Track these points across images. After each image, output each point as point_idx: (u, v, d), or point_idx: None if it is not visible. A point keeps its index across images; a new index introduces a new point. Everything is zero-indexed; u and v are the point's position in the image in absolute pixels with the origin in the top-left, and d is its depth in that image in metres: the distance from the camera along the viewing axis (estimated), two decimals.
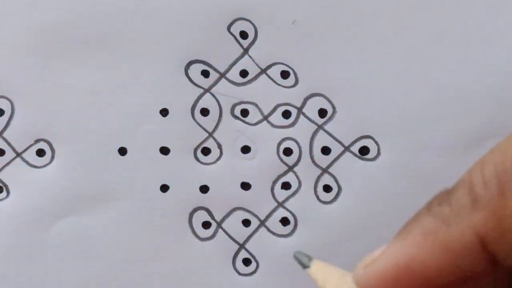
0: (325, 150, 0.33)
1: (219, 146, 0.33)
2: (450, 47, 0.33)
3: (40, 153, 0.33)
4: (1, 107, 0.32)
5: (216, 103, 0.33)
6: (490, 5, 0.32)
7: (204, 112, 0.33)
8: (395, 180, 0.33)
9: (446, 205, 0.24)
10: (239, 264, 0.33)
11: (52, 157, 0.33)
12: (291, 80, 0.33)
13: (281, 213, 0.33)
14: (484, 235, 0.24)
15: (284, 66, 0.33)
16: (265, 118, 0.33)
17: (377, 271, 0.25)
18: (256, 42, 0.32)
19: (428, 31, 0.32)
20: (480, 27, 0.33)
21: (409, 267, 0.25)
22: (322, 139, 0.33)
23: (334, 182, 0.33)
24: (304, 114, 0.33)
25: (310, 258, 0.28)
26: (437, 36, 0.32)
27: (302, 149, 0.33)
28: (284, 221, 0.33)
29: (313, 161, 0.33)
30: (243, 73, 0.33)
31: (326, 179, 0.33)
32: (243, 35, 0.32)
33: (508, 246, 0.24)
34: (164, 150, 0.33)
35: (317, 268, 0.28)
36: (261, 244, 0.33)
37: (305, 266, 0.28)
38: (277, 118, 0.33)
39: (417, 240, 0.25)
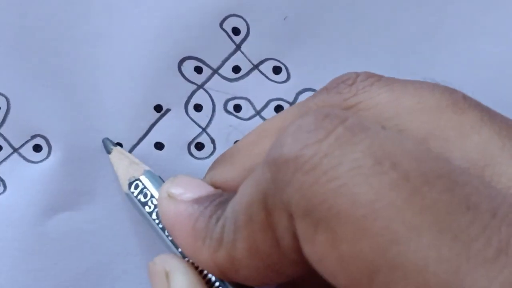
0: None
1: (213, 141, 0.33)
2: (446, 44, 0.33)
3: (37, 148, 0.33)
4: None
5: (209, 98, 0.33)
6: (485, 1, 0.32)
7: (198, 107, 0.33)
8: None
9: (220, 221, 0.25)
10: None
11: (49, 152, 0.33)
12: (283, 75, 0.33)
13: None
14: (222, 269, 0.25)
15: (276, 62, 0.33)
16: (258, 113, 0.33)
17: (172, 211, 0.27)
18: (248, 38, 0.33)
19: (422, 27, 0.33)
20: (477, 23, 0.33)
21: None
22: None
23: None
24: None
25: (114, 145, 0.32)
26: (431, 32, 0.33)
27: None
28: None
29: None
30: (236, 69, 0.33)
31: None
32: (236, 31, 0.33)
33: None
34: (159, 146, 0.33)
35: (115, 155, 0.32)
36: None
37: (108, 152, 0.32)
38: (269, 113, 0.33)
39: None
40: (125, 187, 0.30)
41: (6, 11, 0.32)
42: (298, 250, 0.23)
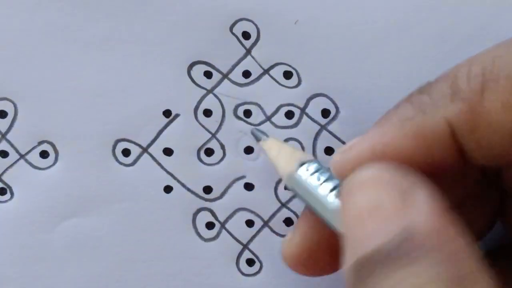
0: (329, 151, 0.33)
1: (222, 147, 0.33)
2: (452, 47, 0.32)
3: (44, 154, 0.33)
4: (4, 109, 0.32)
5: (219, 104, 0.33)
6: (492, 6, 0.32)
7: (207, 113, 0.33)
8: None
9: (426, 95, 0.24)
10: (243, 264, 0.33)
11: (56, 158, 0.33)
12: (294, 80, 0.33)
13: (284, 213, 0.33)
14: (456, 127, 0.24)
15: (287, 67, 0.33)
16: (268, 118, 0.33)
17: (353, 157, 0.25)
18: (259, 43, 0.32)
19: (430, 31, 0.32)
20: (483, 27, 0.32)
21: (384, 153, 0.25)
22: (325, 140, 0.33)
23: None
24: (307, 115, 0.33)
25: (266, 135, 0.31)
26: (439, 36, 0.32)
27: (305, 150, 0.33)
28: (288, 222, 0.33)
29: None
30: (246, 74, 0.33)
31: None
32: (246, 35, 0.32)
33: (476, 142, 0.24)
34: (168, 151, 0.33)
35: (271, 143, 0.30)
36: (265, 245, 0.33)
37: (258, 139, 0.31)
38: (280, 118, 0.33)
39: (394, 126, 0.25)
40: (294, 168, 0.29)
41: (13, 16, 0.32)
42: None
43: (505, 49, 0.25)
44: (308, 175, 0.28)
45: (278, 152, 0.29)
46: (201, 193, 0.33)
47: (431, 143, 0.24)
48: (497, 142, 0.24)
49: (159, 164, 0.33)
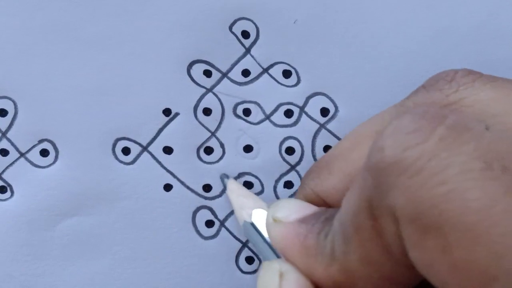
0: (327, 149, 0.33)
1: (222, 146, 0.33)
2: (451, 46, 0.33)
3: (44, 153, 0.33)
4: (5, 108, 0.32)
5: (218, 102, 0.33)
6: (491, 4, 0.32)
7: (207, 111, 0.33)
8: None
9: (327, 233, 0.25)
10: (242, 262, 0.33)
11: (56, 157, 0.33)
12: (293, 79, 0.33)
13: None
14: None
15: (286, 65, 0.33)
16: (268, 117, 0.33)
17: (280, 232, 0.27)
18: (258, 42, 0.32)
19: (429, 30, 0.32)
20: (481, 26, 0.32)
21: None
22: (324, 138, 0.33)
23: None
24: (306, 113, 0.33)
25: (228, 177, 0.32)
26: (437, 35, 0.32)
27: (305, 148, 0.33)
28: None
29: (316, 160, 0.33)
30: (245, 73, 0.33)
31: None
32: (245, 34, 0.32)
33: None
34: (167, 150, 0.33)
35: (233, 187, 0.32)
36: None
37: (224, 183, 0.32)
38: (279, 117, 0.33)
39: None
40: (248, 217, 0.30)
41: (13, 14, 0.32)
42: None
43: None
44: (263, 225, 0.29)
45: (237, 197, 0.31)
46: (201, 192, 0.33)
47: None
48: None
49: (159, 162, 0.33)
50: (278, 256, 0.27)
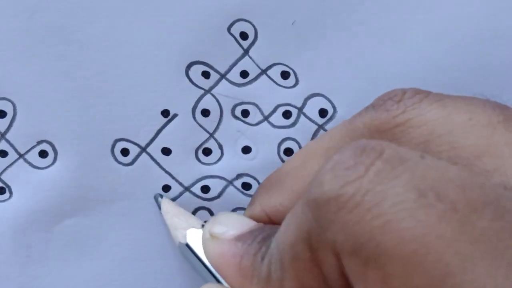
0: None
1: (220, 147, 0.33)
2: (451, 47, 0.33)
3: (43, 154, 0.33)
4: (3, 109, 0.33)
5: (216, 104, 0.33)
6: (490, 5, 0.32)
7: (205, 112, 0.33)
8: None
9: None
10: None
11: (55, 158, 0.33)
12: (291, 80, 0.33)
13: None
14: None
15: (284, 67, 0.33)
16: (266, 118, 0.33)
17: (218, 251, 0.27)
18: (256, 43, 0.32)
19: (427, 31, 0.32)
20: (481, 27, 0.32)
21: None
22: None
23: None
24: (304, 114, 0.33)
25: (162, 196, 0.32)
26: (438, 36, 0.32)
27: None
28: None
29: None
30: (244, 74, 0.33)
31: None
32: (243, 36, 0.32)
33: None
34: (166, 151, 0.33)
35: (167, 207, 0.32)
36: None
37: (158, 203, 0.32)
38: (277, 118, 0.33)
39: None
40: (183, 238, 0.30)
41: (12, 15, 0.32)
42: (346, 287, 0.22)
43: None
44: (199, 245, 0.29)
45: (172, 218, 0.31)
46: (199, 193, 0.33)
47: None
48: None
49: (157, 163, 0.33)
50: (215, 277, 0.27)
